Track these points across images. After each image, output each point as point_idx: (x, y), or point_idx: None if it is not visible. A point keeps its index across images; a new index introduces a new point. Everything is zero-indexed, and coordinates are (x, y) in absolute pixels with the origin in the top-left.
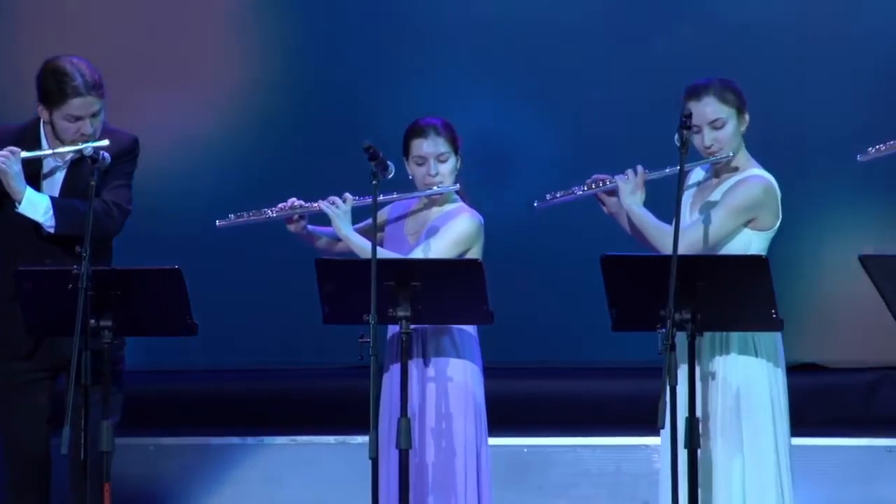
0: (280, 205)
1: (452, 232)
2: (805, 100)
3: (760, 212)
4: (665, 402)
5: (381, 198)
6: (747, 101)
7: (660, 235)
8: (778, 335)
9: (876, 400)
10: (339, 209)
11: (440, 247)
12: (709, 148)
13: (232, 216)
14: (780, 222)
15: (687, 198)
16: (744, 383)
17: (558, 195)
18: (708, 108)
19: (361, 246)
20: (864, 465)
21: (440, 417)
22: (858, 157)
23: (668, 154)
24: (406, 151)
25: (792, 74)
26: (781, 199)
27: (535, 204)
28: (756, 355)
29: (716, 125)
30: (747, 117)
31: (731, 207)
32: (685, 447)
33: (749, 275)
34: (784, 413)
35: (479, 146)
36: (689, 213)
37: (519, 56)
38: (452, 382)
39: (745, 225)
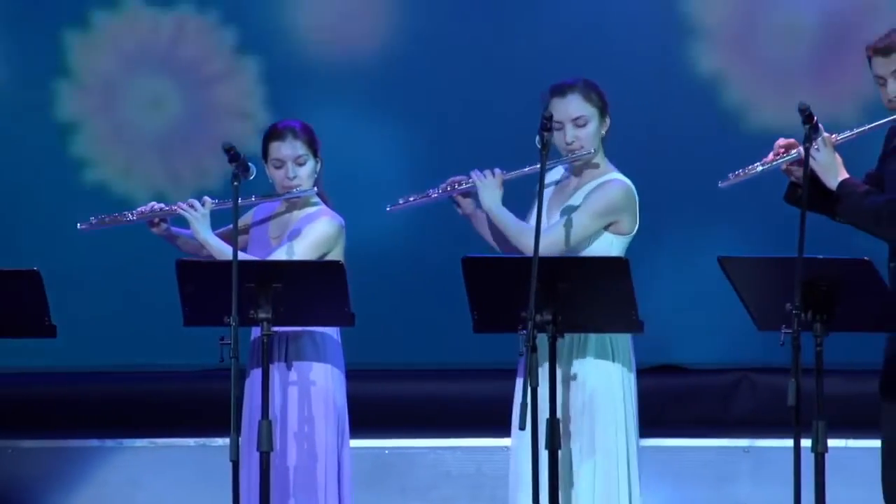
0: (140, 208)
1: (313, 234)
2: (663, 99)
3: (621, 216)
4: (526, 404)
5: (240, 202)
6: (609, 105)
7: (521, 235)
8: (631, 338)
9: (735, 401)
10: (197, 212)
11: (301, 249)
12: (570, 145)
13: (93, 219)
14: (642, 223)
15: (545, 196)
16: (599, 387)
17: (412, 198)
18: (572, 106)
19: (220, 249)
20: (723, 466)
21: (303, 421)
22: (720, 184)
23: (528, 154)
24: (265, 154)
25: (658, 76)
26: (643, 200)
27: (388, 208)
28: (613, 359)
29: (578, 122)
30: (609, 121)
31: (593, 211)
32: (546, 448)
33: (609, 276)
34: (634, 416)
35: (339, 148)
36: (546, 213)
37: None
38: (315, 387)
39: (606, 228)
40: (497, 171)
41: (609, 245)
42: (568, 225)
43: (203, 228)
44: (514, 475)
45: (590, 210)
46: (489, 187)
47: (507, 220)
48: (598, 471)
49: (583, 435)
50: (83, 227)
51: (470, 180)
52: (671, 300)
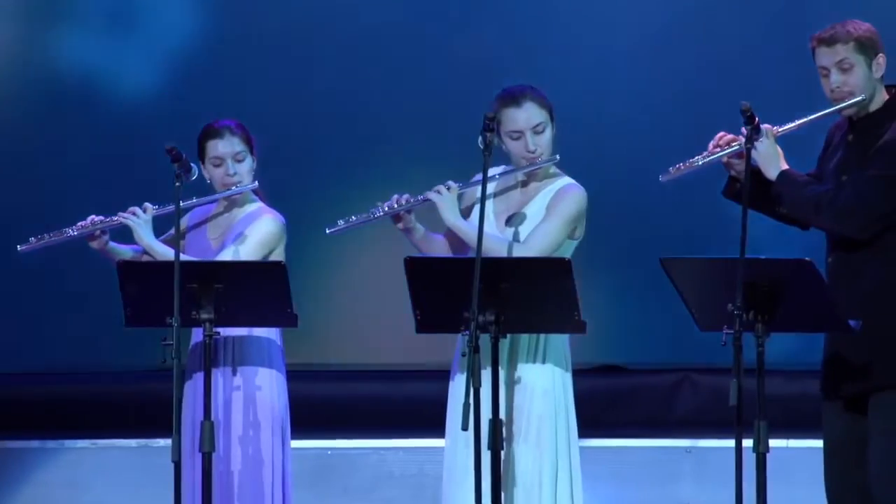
0: (80, 223)
1: (257, 234)
2: (605, 98)
3: (581, 221)
4: (469, 404)
5: (182, 203)
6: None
7: (500, 248)
8: (567, 338)
9: (676, 401)
10: (140, 219)
11: (246, 250)
12: (533, 153)
13: (33, 239)
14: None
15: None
16: (558, 390)
17: (353, 219)
18: (530, 113)
19: (165, 254)
20: (665, 466)
21: (248, 426)
22: (661, 178)
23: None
24: (201, 155)
25: (598, 79)
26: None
27: (328, 230)
28: (565, 364)
29: (538, 129)
30: (555, 125)
31: (565, 218)
32: (489, 448)
33: (552, 277)
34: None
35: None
36: (494, 222)
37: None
38: (261, 392)
39: (570, 234)
40: (451, 184)
41: (566, 250)
42: (546, 233)
43: (146, 234)
44: (450, 475)
45: (564, 217)
46: (448, 202)
47: (473, 232)
48: (561, 474)
49: (540, 438)
50: (24, 248)
51: (418, 198)
52: (613, 300)
